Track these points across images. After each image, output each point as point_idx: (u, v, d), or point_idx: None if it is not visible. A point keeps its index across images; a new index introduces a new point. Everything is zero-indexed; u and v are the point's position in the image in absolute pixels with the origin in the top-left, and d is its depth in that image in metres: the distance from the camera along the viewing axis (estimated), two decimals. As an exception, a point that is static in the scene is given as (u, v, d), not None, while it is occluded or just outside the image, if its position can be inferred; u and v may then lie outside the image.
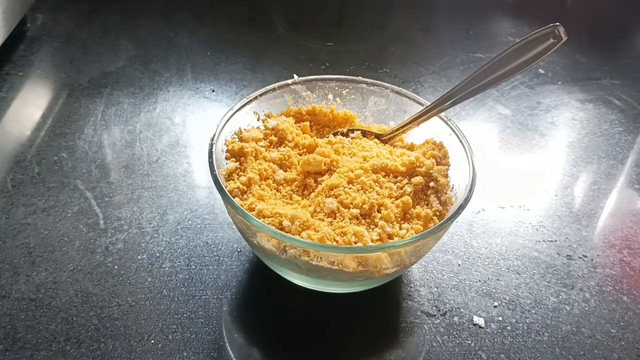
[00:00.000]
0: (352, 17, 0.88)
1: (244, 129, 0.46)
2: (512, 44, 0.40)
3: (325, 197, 0.41)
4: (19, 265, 0.45)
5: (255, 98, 0.47)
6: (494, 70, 0.41)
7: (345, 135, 0.49)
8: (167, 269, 0.46)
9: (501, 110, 0.67)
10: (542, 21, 0.86)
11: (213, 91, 0.68)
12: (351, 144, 0.47)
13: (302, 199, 0.42)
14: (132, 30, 0.78)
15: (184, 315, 0.42)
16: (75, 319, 0.41)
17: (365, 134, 0.49)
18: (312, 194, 0.42)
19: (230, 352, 0.40)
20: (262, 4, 0.88)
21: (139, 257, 0.46)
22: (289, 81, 0.49)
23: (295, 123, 0.49)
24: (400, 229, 0.40)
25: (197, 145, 0.59)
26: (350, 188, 0.41)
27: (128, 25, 0.79)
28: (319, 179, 0.43)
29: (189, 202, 0.52)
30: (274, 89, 0.48)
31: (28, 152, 0.56)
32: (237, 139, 0.45)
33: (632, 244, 0.52)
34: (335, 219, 0.40)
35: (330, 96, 0.51)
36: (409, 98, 0.49)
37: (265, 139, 0.46)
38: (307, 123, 0.49)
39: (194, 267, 0.46)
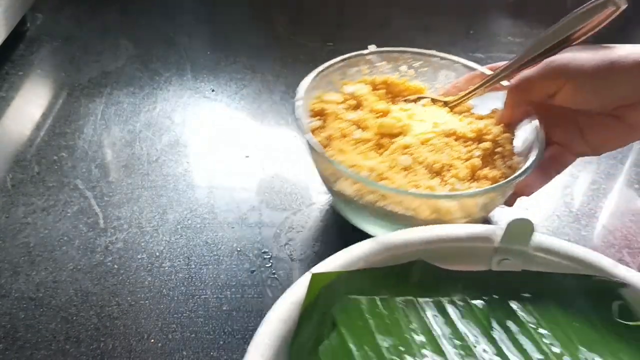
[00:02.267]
0: (352, 17, 0.87)
1: (325, 93, 0.50)
2: (572, 12, 0.44)
3: (400, 155, 0.44)
4: (19, 265, 0.45)
5: (332, 65, 0.51)
6: (553, 38, 0.44)
7: (415, 102, 0.52)
8: (166, 268, 0.46)
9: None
10: (542, 21, 0.86)
11: (213, 91, 0.68)
12: (422, 110, 0.50)
13: (378, 156, 0.45)
14: (132, 30, 0.78)
15: (184, 314, 0.42)
16: (75, 318, 0.41)
17: (434, 101, 0.52)
18: (387, 152, 0.45)
19: (230, 352, 0.40)
20: (262, 4, 0.88)
21: (139, 257, 0.46)
22: (365, 52, 0.54)
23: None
24: (469, 188, 0.43)
25: (197, 145, 0.59)
26: (422, 148, 0.45)
27: (128, 25, 0.79)
28: (393, 140, 0.46)
29: (189, 202, 0.52)
30: (349, 58, 0.52)
31: (28, 152, 0.56)
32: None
33: (632, 243, 0.52)
34: (408, 174, 0.43)
35: (403, 67, 0.54)
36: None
37: (343, 103, 0.50)
38: (383, 90, 0.52)
39: (193, 266, 0.46)
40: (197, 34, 0.78)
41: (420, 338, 0.32)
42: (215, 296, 0.44)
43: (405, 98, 0.53)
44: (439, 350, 0.31)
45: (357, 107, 0.50)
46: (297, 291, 0.33)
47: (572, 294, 0.35)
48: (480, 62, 0.54)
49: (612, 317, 0.34)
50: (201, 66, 0.72)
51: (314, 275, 0.33)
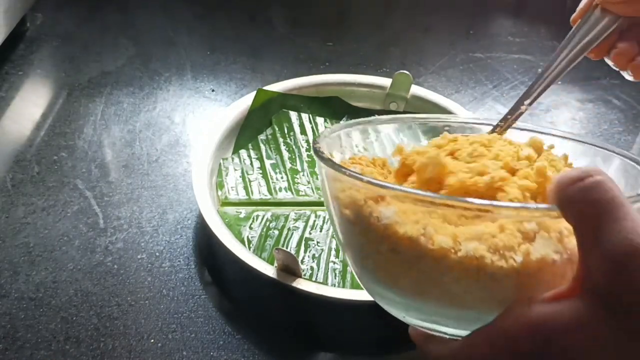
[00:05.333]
0: (352, 17, 0.87)
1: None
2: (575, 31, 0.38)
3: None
4: (19, 265, 0.45)
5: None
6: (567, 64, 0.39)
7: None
8: (166, 268, 0.46)
9: (501, 110, 0.67)
10: (543, 21, 0.87)
11: (213, 91, 0.68)
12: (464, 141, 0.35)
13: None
14: (131, 30, 0.78)
15: (184, 314, 0.42)
16: (75, 318, 0.41)
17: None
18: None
19: (230, 352, 0.40)
20: (262, 4, 0.88)
21: (139, 257, 0.46)
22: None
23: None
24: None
25: (196, 145, 0.59)
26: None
27: (128, 25, 0.79)
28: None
29: (189, 202, 0.52)
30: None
31: (28, 152, 0.56)
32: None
33: (632, 243, 0.52)
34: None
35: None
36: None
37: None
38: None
39: (193, 266, 0.46)
40: (197, 34, 0.78)
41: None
42: (215, 296, 0.44)
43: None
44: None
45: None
46: (247, 100, 0.58)
47: None
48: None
49: None
50: (201, 66, 0.72)
51: (260, 90, 0.44)
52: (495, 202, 0.28)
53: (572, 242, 0.26)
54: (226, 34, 0.79)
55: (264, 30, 0.81)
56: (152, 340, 0.40)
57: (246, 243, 0.46)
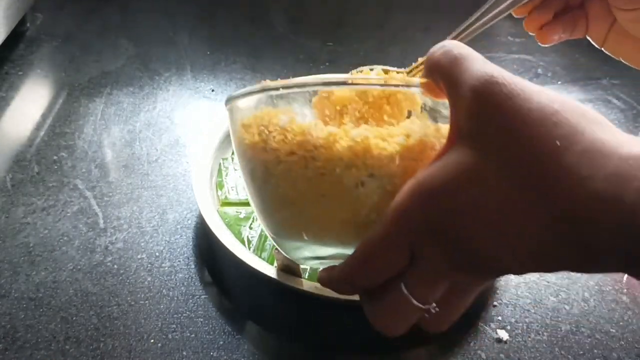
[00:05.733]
0: (352, 17, 0.87)
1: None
2: None
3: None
4: (19, 265, 0.45)
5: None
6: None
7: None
8: (166, 268, 0.46)
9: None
10: (542, 21, 0.86)
11: (213, 91, 0.68)
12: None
13: None
14: (132, 30, 0.78)
15: (184, 314, 0.42)
16: (74, 318, 0.41)
17: (386, 72, 0.42)
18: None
19: (230, 352, 0.40)
20: (262, 4, 0.88)
21: (139, 257, 0.46)
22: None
23: None
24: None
25: (196, 145, 0.59)
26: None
27: (128, 25, 0.79)
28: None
29: (189, 202, 0.52)
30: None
31: (28, 152, 0.56)
32: None
33: None
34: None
35: None
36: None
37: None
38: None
39: (193, 266, 0.46)
40: (197, 34, 0.78)
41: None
42: (215, 296, 0.44)
43: (359, 69, 0.43)
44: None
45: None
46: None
47: None
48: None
49: None
50: (201, 66, 0.72)
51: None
52: (361, 77, 0.34)
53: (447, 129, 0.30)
54: (226, 34, 0.79)
55: (264, 30, 0.81)
56: (152, 340, 0.40)
57: (246, 243, 0.46)
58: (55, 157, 0.56)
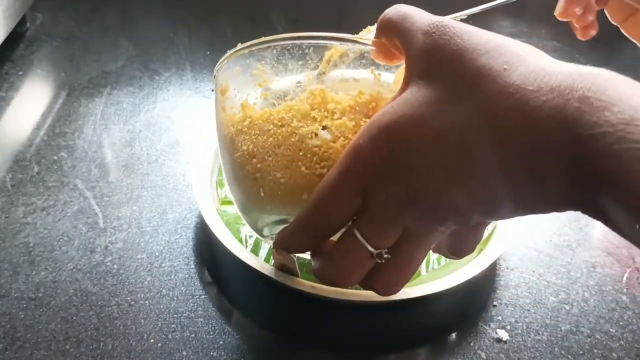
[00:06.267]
0: (352, 17, 0.87)
1: None
2: None
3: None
4: (19, 265, 0.45)
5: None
6: None
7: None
8: (166, 268, 0.46)
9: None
10: (542, 21, 0.87)
11: (213, 91, 0.68)
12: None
13: None
14: (131, 30, 0.78)
15: (184, 314, 0.42)
16: (74, 318, 0.41)
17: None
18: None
19: (230, 352, 0.40)
20: (262, 4, 0.88)
21: (139, 257, 0.46)
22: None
23: None
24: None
25: (196, 145, 0.59)
26: None
27: (128, 25, 0.79)
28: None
29: (189, 202, 0.52)
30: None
31: (27, 152, 0.56)
32: None
33: (632, 243, 0.52)
34: None
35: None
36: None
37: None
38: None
39: (193, 266, 0.46)
40: (197, 34, 0.78)
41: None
42: (215, 296, 0.44)
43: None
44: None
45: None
46: None
47: None
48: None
49: None
50: (201, 66, 0.72)
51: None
52: (321, 34, 0.36)
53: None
54: (226, 35, 0.79)
55: (264, 31, 0.81)
56: (152, 340, 0.40)
57: (244, 242, 0.46)
58: (55, 157, 0.56)
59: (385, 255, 0.29)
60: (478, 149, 0.25)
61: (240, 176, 0.37)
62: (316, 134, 0.34)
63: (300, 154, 0.34)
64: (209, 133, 0.55)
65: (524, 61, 0.25)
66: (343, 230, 0.31)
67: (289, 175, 0.35)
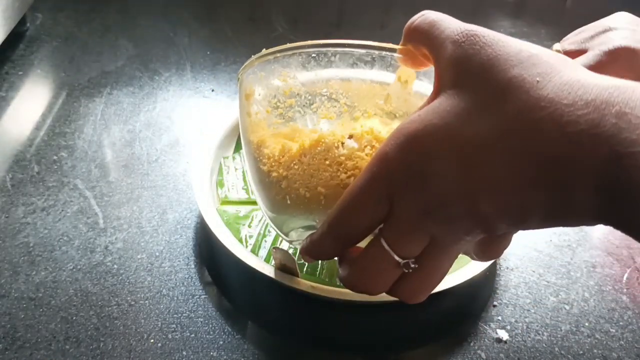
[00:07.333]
0: (352, 17, 0.87)
1: None
2: None
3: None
4: (19, 265, 0.45)
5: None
6: None
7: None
8: (166, 268, 0.46)
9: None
10: (542, 21, 0.87)
11: (213, 91, 0.68)
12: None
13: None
14: (131, 30, 0.78)
15: (184, 314, 0.42)
16: (74, 318, 0.41)
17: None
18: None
19: (230, 352, 0.40)
20: (262, 4, 0.88)
21: (139, 257, 0.46)
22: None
23: None
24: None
25: (196, 145, 0.59)
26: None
27: (128, 25, 0.79)
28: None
29: (189, 202, 0.52)
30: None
31: (27, 152, 0.56)
32: None
33: (632, 243, 0.52)
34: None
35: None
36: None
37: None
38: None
39: (193, 266, 0.46)
40: (197, 34, 0.78)
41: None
42: (215, 296, 0.44)
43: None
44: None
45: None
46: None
47: None
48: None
49: None
50: (201, 66, 0.72)
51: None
52: (347, 41, 0.36)
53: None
54: (226, 35, 0.79)
55: (264, 31, 0.81)
56: (152, 340, 0.40)
57: (244, 242, 0.46)
58: (55, 157, 0.56)
59: (412, 265, 0.29)
60: (507, 160, 0.25)
61: (267, 182, 0.37)
62: (342, 143, 0.34)
63: (327, 162, 0.34)
64: (209, 133, 0.55)
65: (558, 73, 0.25)
66: (370, 237, 0.31)
67: (315, 184, 0.35)
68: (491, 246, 0.31)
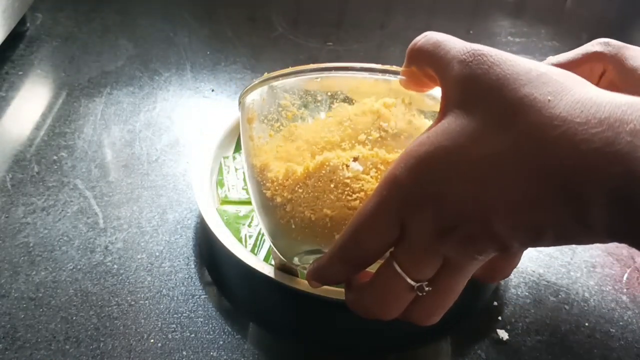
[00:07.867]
0: (352, 17, 0.87)
1: None
2: None
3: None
4: (19, 265, 0.45)
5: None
6: None
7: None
8: (166, 268, 0.46)
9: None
10: (542, 21, 0.87)
11: (213, 91, 0.68)
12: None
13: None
14: (131, 30, 0.78)
15: (184, 314, 0.42)
16: (74, 318, 0.41)
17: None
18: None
19: (230, 352, 0.40)
20: (262, 4, 0.88)
21: (139, 257, 0.46)
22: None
23: None
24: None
25: (196, 145, 0.59)
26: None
27: (128, 25, 0.79)
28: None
29: (189, 202, 0.52)
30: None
31: (27, 152, 0.56)
32: None
33: None
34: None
35: None
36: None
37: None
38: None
39: (193, 266, 0.46)
40: (197, 34, 0.78)
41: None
42: (215, 296, 0.44)
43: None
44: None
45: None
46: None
47: None
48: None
49: None
50: (201, 66, 0.72)
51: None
52: (350, 64, 0.36)
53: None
54: (226, 35, 0.79)
55: (264, 31, 0.81)
56: (152, 340, 0.40)
57: (244, 242, 0.46)
58: (55, 157, 0.56)
59: (427, 288, 0.29)
60: (521, 179, 0.24)
61: (270, 206, 0.37)
62: (347, 166, 0.34)
63: (332, 185, 0.34)
64: (209, 133, 0.55)
65: (569, 91, 0.24)
66: (379, 261, 0.30)
67: (321, 206, 0.34)
68: (500, 264, 0.31)
